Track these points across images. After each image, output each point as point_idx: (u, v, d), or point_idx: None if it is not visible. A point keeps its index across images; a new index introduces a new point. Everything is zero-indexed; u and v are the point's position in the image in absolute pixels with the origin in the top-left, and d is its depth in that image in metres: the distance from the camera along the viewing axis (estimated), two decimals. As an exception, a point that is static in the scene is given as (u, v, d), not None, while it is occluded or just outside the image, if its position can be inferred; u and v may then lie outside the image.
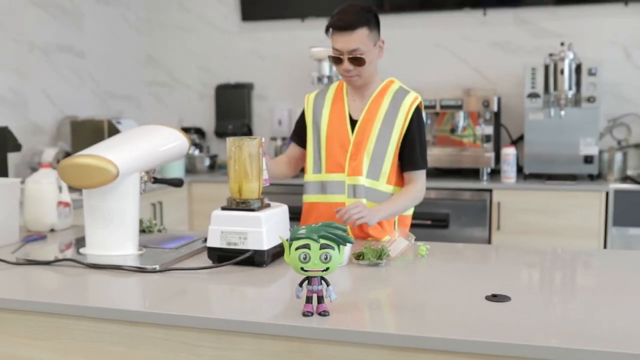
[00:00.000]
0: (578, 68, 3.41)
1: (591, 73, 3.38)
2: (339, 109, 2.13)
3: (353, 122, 2.10)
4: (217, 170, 4.16)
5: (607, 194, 3.28)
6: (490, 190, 3.43)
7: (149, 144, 1.90)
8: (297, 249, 1.29)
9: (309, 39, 4.04)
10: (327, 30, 2.05)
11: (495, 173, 3.67)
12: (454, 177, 3.67)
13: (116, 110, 4.25)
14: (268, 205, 1.77)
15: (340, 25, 2.00)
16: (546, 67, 3.44)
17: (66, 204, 2.24)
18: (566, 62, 3.35)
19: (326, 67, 3.90)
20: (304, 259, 1.28)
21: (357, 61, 2.01)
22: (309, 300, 1.32)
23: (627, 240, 3.28)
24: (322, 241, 1.28)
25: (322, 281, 1.31)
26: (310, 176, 2.15)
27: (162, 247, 1.91)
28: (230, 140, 1.75)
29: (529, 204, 3.38)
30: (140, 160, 1.83)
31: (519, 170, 3.61)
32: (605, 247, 3.29)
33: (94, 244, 1.82)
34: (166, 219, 3.53)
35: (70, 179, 1.75)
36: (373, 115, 2.07)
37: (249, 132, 4.29)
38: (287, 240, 1.31)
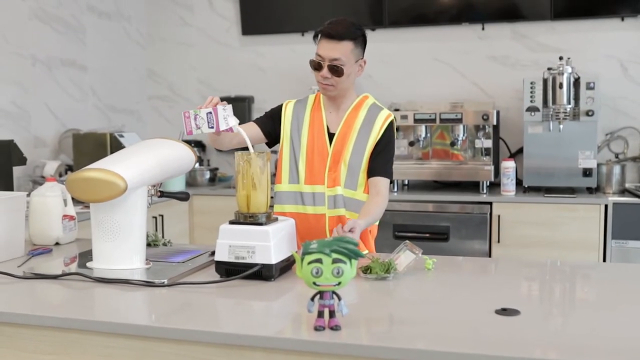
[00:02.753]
0: (576, 82, 3.45)
1: (589, 87, 3.42)
2: (318, 122, 2.18)
3: (330, 135, 2.16)
4: (218, 184, 4.17)
5: (606, 207, 3.30)
6: (490, 203, 3.45)
7: (157, 157, 1.91)
8: (309, 263, 1.30)
9: (308, 52, 4.03)
10: (315, 36, 2.12)
11: (494, 186, 3.69)
12: (453, 191, 3.69)
13: (117, 124, 4.26)
14: (276, 219, 1.78)
15: (329, 33, 2.06)
16: (545, 81, 3.47)
17: (71, 218, 2.25)
18: (565, 76, 3.39)
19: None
20: (316, 273, 1.29)
21: (336, 71, 2.07)
22: (320, 314, 1.33)
23: (626, 253, 3.29)
24: (335, 255, 1.29)
25: (334, 295, 1.32)
26: (285, 186, 2.18)
27: (168, 261, 1.91)
28: (238, 154, 1.76)
29: (529, 217, 3.40)
30: (148, 174, 1.84)
31: (518, 183, 3.63)
32: (604, 260, 3.31)
33: (101, 258, 1.82)
34: (167, 232, 3.53)
35: (78, 192, 1.75)
36: (349, 128, 2.13)
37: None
38: (299, 254, 1.33)
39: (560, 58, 3.45)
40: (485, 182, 3.59)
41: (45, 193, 2.21)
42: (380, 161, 2.12)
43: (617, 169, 3.53)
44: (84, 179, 1.74)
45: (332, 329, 1.31)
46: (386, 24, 4.07)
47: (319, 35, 2.10)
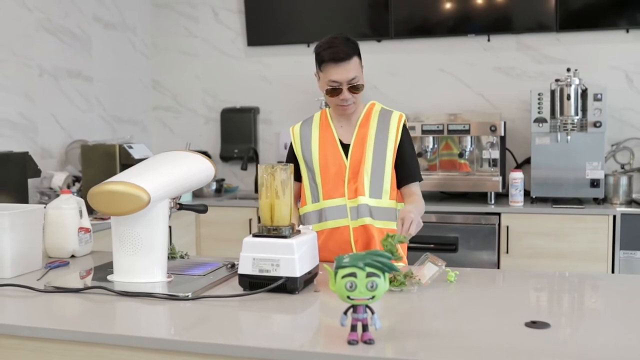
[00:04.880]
0: (584, 93, 3.47)
1: (597, 98, 3.44)
2: (328, 136, 2.18)
3: (344, 147, 2.15)
4: (224, 194, 4.16)
5: (614, 217, 3.31)
6: (498, 214, 3.46)
7: (178, 170, 1.91)
8: (343, 277, 1.29)
9: (314, 63, 4.07)
10: (320, 65, 2.10)
11: (501, 197, 3.70)
12: (461, 201, 3.69)
13: (122, 135, 4.24)
14: (299, 232, 1.77)
15: (337, 57, 2.06)
16: (552, 93, 3.49)
17: (87, 230, 2.24)
18: (572, 87, 3.41)
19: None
20: (350, 287, 1.29)
21: (356, 89, 2.08)
22: (353, 328, 1.32)
23: (635, 264, 3.30)
24: (369, 269, 1.29)
25: (367, 309, 1.32)
26: (309, 207, 2.19)
27: (189, 273, 1.90)
28: (262, 167, 1.76)
29: (537, 228, 3.40)
30: (170, 187, 1.83)
31: (526, 194, 3.64)
32: (613, 270, 3.31)
33: (122, 271, 1.81)
34: (174, 244, 3.51)
35: (100, 205, 1.75)
36: (364, 136, 2.14)
37: (255, 156, 4.31)
38: (332, 269, 1.32)
39: (568, 70, 3.47)
40: (492, 193, 3.60)
41: (60, 205, 2.20)
42: (410, 166, 2.14)
43: (624, 180, 3.55)
44: (106, 192, 1.73)
45: (365, 342, 1.31)
46: (392, 35, 4.09)
47: (322, 63, 2.09)
